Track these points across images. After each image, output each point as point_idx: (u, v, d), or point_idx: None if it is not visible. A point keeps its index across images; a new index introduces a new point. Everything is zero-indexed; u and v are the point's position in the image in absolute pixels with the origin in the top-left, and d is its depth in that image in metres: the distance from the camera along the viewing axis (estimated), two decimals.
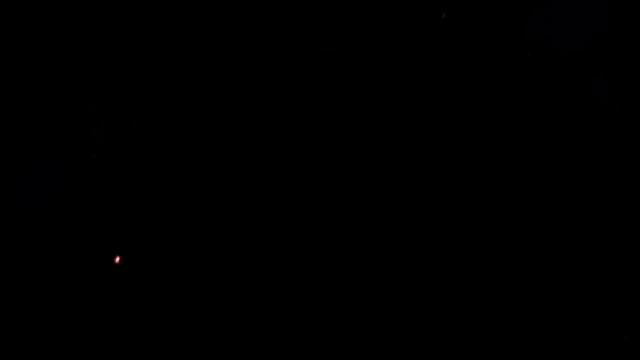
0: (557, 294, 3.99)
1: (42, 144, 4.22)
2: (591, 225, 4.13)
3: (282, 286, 4.02)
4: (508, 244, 4.11)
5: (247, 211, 4.12)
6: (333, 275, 4.03)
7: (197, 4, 4.23)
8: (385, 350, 3.92)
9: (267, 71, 4.19)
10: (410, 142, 4.20)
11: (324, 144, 4.29)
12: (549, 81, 4.24)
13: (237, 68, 4.27)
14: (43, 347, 4.00)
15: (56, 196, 4.21)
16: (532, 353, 3.95)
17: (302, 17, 4.16)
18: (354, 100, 4.21)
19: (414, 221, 4.10)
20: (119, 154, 4.31)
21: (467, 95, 4.27)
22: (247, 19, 4.22)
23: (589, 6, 4.13)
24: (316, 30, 4.14)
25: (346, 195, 4.14)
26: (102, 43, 4.23)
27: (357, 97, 4.22)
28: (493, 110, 4.28)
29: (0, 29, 4.16)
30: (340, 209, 4.09)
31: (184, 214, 4.13)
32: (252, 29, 4.23)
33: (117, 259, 4.26)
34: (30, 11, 4.17)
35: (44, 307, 4.05)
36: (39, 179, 4.17)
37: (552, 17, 4.12)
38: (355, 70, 4.19)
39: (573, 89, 4.20)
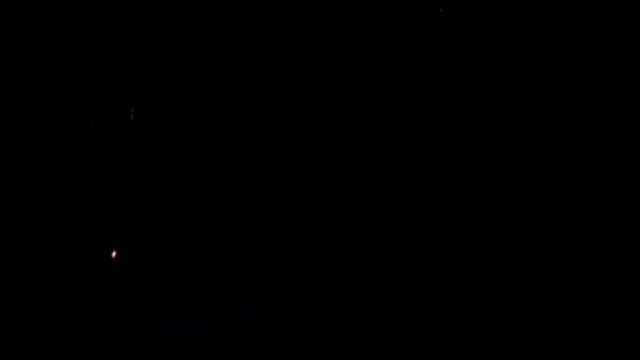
0: (557, 294, 4.00)
1: (41, 138, 4.21)
2: (590, 225, 4.13)
3: (282, 287, 4.02)
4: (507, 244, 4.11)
5: (245, 208, 4.11)
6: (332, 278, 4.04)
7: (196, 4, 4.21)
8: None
9: (266, 72, 4.19)
10: (408, 138, 4.20)
11: (322, 141, 4.29)
12: (549, 78, 4.24)
13: (235, 68, 4.27)
14: (42, 345, 4.00)
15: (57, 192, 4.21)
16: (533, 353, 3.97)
17: (300, 15, 4.15)
18: (353, 98, 4.21)
19: (413, 221, 4.10)
20: (116, 149, 4.31)
21: (465, 90, 4.27)
22: (246, 19, 4.21)
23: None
24: (314, 29, 4.13)
25: (345, 193, 4.15)
26: (102, 41, 4.22)
27: (356, 94, 4.22)
28: (491, 107, 4.28)
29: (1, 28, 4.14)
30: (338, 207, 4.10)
31: (182, 210, 4.13)
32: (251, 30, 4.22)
33: (114, 254, 4.27)
34: (31, 10, 4.15)
35: (43, 305, 4.05)
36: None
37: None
38: (354, 67, 4.19)
39: (572, 86, 4.21)
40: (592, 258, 4.06)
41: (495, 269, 4.02)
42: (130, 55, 4.26)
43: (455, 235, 4.06)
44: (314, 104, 4.19)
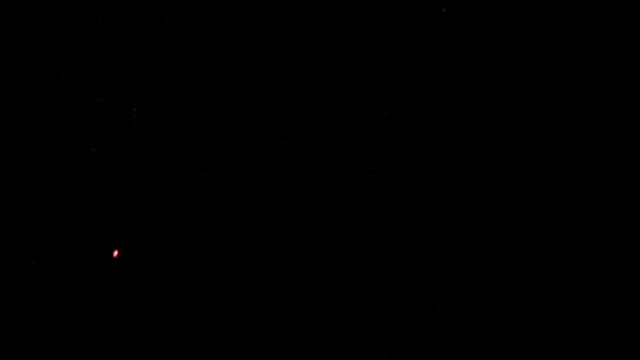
0: (556, 294, 3.99)
1: (43, 138, 4.23)
2: (591, 225, 4.12)
3: (280, 286, 4.02)
4: (508, 244, 4.11)
5: (245, 208, 4.12)
6: (331, 275, 4.04)
7: (197, 4, 4.21)
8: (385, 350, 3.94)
9: (266, 72, 4.19)
10: (409, 140, 4.20)
11: (322, 142, 4.28)
12: (548, 78, 4.23)
13: (236, 68, 4.27)
14: (43, 345, 4.02)
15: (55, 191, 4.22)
16: (532, 353, 3.96)
17: (302, 15, 4.14)
18: (353, 98, 4.21)
19: (412, 221, 4.10)
20: (119, 148, 4.32)
21: (467, 91, 4.26)
22: (246, 19, 4.21)
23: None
24: (315, 29, 4.13)
25: (345, 195, 4.15)
26: (103, 40, 4.23)
27: (358, 95, 4.21)
28: (493, 108, 4.27)
29: (3, 28, 4.15)
30: (338, 206, 4.10)
31: (183, 209, 4.14)
32: (251, 30, 4.22)
33: (116, 253, 4.28)
34: (32, 10, 4.16)
35: (43, 304, 4.07)
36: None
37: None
38: (355, 69, 4.18)
39: (572, 86, 4.20)
40: (592, 258, 4.06)
41: (495, 269, 4.02)
42: (134, 56, 4.27)
43: (455, 232, 4.06)
44: (316, 104, 4.19)
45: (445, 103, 4.21)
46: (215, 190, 4.14)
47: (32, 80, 4.18)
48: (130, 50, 4.26)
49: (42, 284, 4.13)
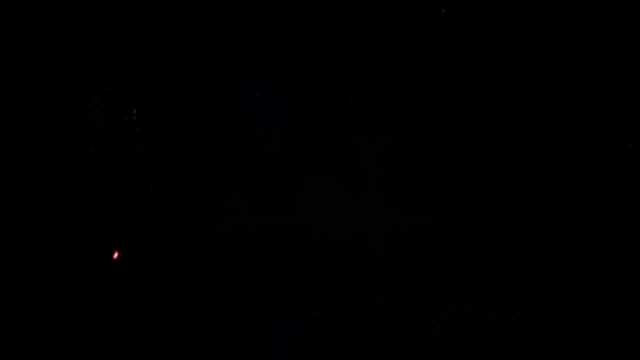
0: (557, 294, 3.98)
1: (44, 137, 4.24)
2: (591, 226, 4.12)
3: (283, 287, 4.02)
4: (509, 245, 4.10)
5: (247, 208, 4.12)
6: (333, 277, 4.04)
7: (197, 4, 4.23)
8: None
9: (267, 71, 4.19)
10: (409, 140, 4.20)
11: (323, 142, 4.29)
12: (552, 80, 4.23)
13: (237, 67, 4.28)
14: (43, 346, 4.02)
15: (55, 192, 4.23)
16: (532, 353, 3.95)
17: (301, 15, 4.15)
18: (354, 97, 4.21)
19: (414, 221, 4.10)
20: (118, 149, 4.33)
21: (467, 92, 4.26)
22: (246, 19, 4.22)
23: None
24: (315, 29, 4.14)
25: (348, 195, 4.15)
26: (103, 40, 4.24)
27: (357, 94, 4.22)
28: (493, 108, 4.27)
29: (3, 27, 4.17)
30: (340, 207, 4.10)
31: (183, 209, 4.15)
32: (252, 30, 4.23)
33: (116, 255, 4.28)
34: (32, 10, 4.18)
35: (43, 305, 4.07)
36: None
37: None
38: (356, 68, 4.19)
39: (572, 86, 4.20)
40: (591, 258, 4.05)
41: (491, 268, 4.01)
42: (134, 58, 4.28)
43: (451, 233, 4.06)
44: (316, 105, 4.20)
45: (444, 104, 4.22)
46: (214, 189, 4.15)
47: (32, 81, 4.20)
48: (130, 50, 4.27)
49: (42, 284, 4.14)
